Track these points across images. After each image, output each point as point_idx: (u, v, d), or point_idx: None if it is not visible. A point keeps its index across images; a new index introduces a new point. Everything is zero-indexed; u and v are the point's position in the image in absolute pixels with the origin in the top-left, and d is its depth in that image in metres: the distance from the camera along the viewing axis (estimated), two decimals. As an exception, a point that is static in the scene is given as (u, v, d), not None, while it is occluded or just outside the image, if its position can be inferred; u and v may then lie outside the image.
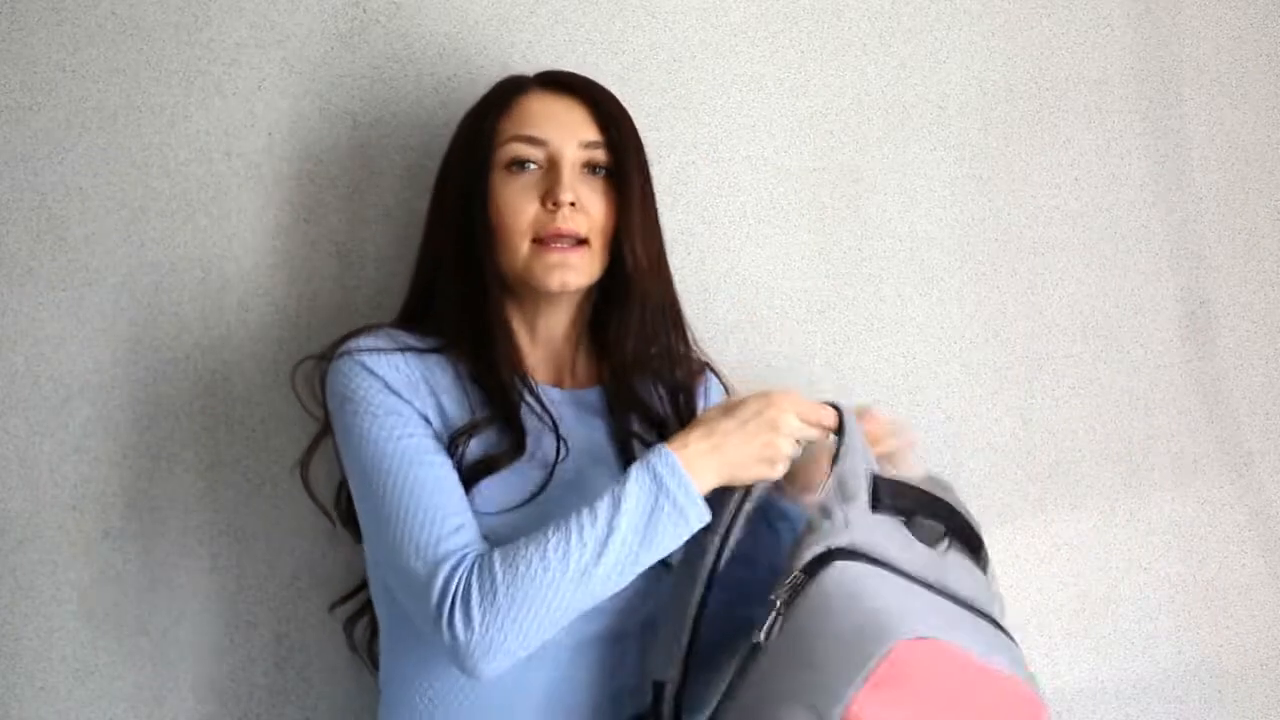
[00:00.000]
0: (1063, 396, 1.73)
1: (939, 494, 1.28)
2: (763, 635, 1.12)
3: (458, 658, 1.15)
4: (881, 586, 1.14)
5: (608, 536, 1.16)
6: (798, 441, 1.24)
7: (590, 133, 1.36)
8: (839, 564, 1.14)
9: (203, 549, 1.52)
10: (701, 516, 1.19)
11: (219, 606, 1.52)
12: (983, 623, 1.22)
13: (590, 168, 1.36)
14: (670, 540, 1.19)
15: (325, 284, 1.55)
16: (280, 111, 1.54)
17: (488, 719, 1.26)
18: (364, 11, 1.56)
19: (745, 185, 1.65)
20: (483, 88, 1.42)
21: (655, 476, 1.18)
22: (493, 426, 1.31)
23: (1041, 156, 1.74)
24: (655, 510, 1.18)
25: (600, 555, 1.15)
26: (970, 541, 1.29)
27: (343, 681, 1.54)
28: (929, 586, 1.20)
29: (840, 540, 1.16)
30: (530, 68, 1.49)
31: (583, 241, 1.34)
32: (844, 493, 1.19)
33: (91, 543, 1.50)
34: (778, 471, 1.22)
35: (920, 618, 1.12)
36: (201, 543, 1.52)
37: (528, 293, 1.37)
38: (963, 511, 1.29)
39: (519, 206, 1.33)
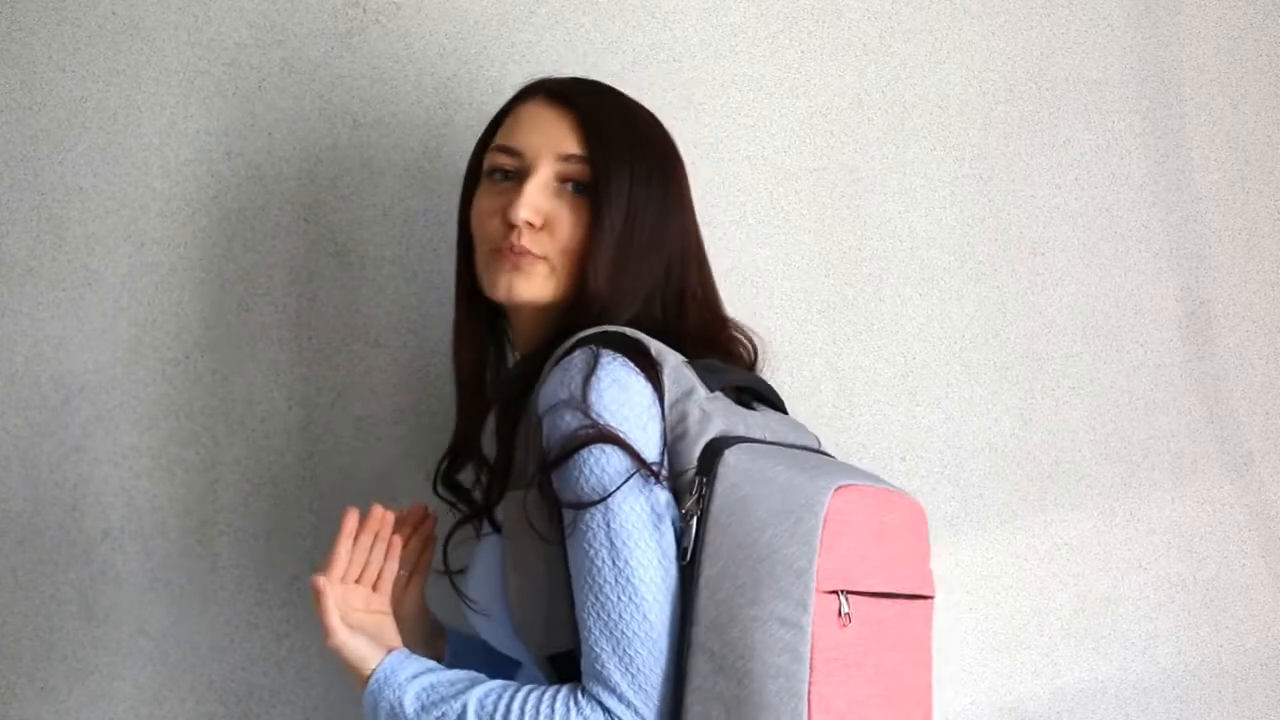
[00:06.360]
0: (1063, 396, 1.73)
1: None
2: (688, 555, 1.11)
3: None
4: (765, 457, 1.14)
5: None
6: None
7: (571, 145, 1.25)
8: (727, 453, 1.13)
9: (203, 549, 1.52)
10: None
11: (219, 606, 1.52)
12: (827, 457, 1.24)
13: (568, 183, 1.26)
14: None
15: (325, 284, 1.55)
16: (280, 111, 1.54)
17: None
18: (364, 11, 1.56)
19: (745, 185, 1.65)
20: (483, 88, 1.42)
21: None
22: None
23: (1041, 156, 1.74)
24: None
25: None
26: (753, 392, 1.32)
27: (343, 681, 1.54)
28: (777, 444, 1.20)
29: (713, 430, 1.16)
30: (530, 68, 1.49)
31: (542, 258, 1.25)
32: (680, 386, 1.17)
33: (91, 543, 1.50)
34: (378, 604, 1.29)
35: (816, 471, 1.14)
36: (201, 543, 1.52)
37: (508, 309, 1.32)
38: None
39: (484, 217, 1.27)
